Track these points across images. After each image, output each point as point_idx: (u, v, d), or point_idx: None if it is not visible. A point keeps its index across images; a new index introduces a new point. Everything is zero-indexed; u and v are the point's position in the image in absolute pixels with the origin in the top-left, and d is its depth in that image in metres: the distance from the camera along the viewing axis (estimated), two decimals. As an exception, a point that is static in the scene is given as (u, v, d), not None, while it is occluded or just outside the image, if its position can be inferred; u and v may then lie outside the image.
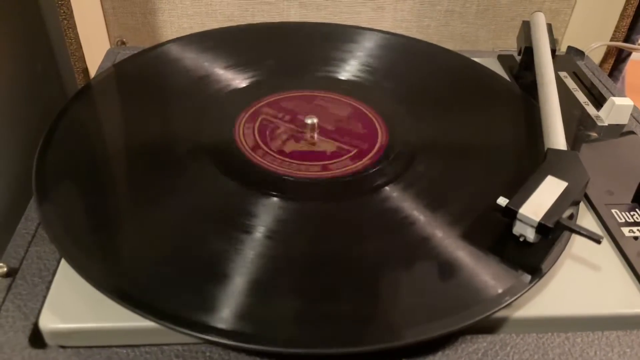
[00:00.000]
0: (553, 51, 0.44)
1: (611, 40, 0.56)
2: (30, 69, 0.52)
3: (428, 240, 0.30)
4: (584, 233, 0.29)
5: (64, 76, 0.57)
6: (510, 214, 0.29)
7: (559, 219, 0.28)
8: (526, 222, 0.29)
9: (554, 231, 0.28)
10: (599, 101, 0.44)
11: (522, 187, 0.30)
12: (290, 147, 0.37)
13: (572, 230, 0.29)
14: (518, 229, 0.29)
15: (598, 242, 0.28)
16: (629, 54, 0.58)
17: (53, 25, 0.54)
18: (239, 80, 0.43)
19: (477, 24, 0.58)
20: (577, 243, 0.31)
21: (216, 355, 0.26)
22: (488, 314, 0.26)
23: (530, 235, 0.29)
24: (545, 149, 0.34)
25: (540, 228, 0.28)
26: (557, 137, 0.35)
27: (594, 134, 0.41)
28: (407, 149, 0.37)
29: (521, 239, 0.29)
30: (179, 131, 0.38)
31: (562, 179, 0.31)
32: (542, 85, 0.40)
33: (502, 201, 0.29)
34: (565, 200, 0.29)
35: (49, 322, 0.26)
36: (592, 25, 0.57)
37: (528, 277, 0.28)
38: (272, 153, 0.36)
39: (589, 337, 0.28)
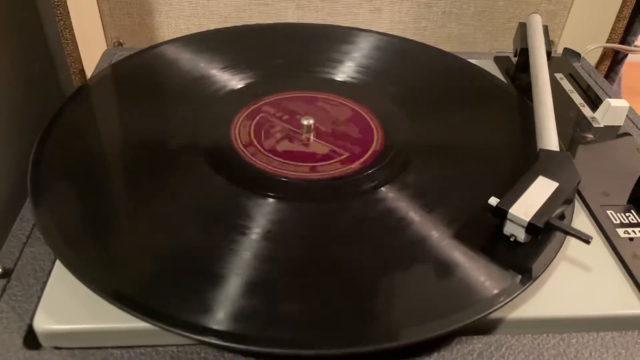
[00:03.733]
0: (549, 53, 0.44)
1: (607, 42, 0.56)
2: (27, 69, 0.51)
3: (424, 241, 0.30)
4: (574, 233, 0.29)
5: (61, 77, 0.57)
6: (501, 214, 0.29)
7: (549, 219, 0.28)
8: (516, 222, 0.29)
9: (544, 231, 0.28)
10: (594, 103, 0.44)
11: (513, 188, 0.30)
12: (286, 148, 0.37)
13: (562, 231, 0.29)
14: (508, 229, 0.29)
15: (587, 242, 0.28)
16: (625, 55, 0.59)
17: (50, 26, 0.54)
18: (236, 82, 0.43)
19: (474, 25, 0.58)
20: (572, 244, 0.31)
21: (211, 357, 0.26)
22: (483, 314, 0.26)
23: (521, 235, 0.29)
24: (538, 149, 0.34)
25: (530, 228, 0.28)
26: (550, 138, 0.35)
27: (589, 136, 0.41)
28: (403, 150, 0.37)
29: (512, 239, 0.29)
30: (176, 132, 0.38)
31: (553, 179, 0.31)
32: (537, 87, 0.40)
33: (493, 201, 0.29)
34: (555, 201, 0.29)
35: (43, 323, 0.26)
36: (589, 27, 0.57)
37: (523, 278, 0.28)
38: (268, 154, 0.36)
39: (584, 338, 0.28)
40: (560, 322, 0.28)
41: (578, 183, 0.31)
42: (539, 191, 0.30)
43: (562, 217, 0.31)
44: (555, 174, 0.31)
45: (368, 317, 0.26)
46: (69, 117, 0.38)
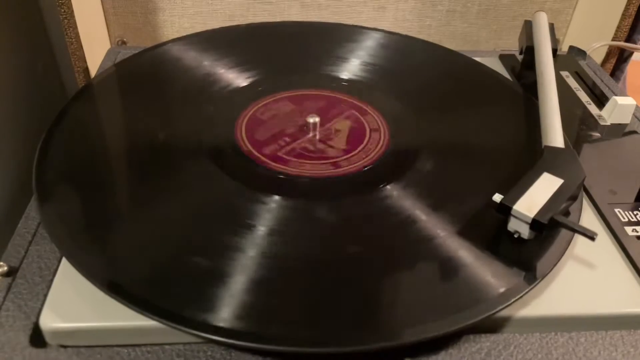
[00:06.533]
0: (554, 51, 0.44)
1: (613, 40, 0.56)
2: (31, 68, 0.51)
3: (430, 239, 0.30)
4: (578, 229, 0.29)
5: (65, 75, 0.57)
6: (505, 210, 0.29)
7: (554, 215, 0.28)
8: (520, 218, 0.29)
9: (548, 228, 0.28)
10: (601, 101, 0.44)
11: (517, 184, 0.30)
12: (291, 146, 0.37)
13: (567, 227, 0.29)
14: (513, 225, 0.29)
15: (592, 238, 0.28)
16: (631, 54, 0.58)
17: (53, 25, 0.54)
18: (240, 80, 0.43)
19: (479, 23, 0.58)
20: (580, 242, 0.31)
21: (218, 355, 0.26)
22: (491, 313, 0.26)
23: (525, 231, 0.29)
24: (542, 146, 0.34)
25: (535, 224, 0.28)
26: (555, 135, 0.35)
27: (596, 134, 0.41)
28: (408, 148, 0.37)
29: (515, 236, 0.29)
30: (180, 131, 0.38)
31: (558, 176, 0.31)
32: (542, 85, 0.40)
33: (497, 197, 0.29)
34: (560, 197, 0.29)
35: (49, 321, 0.26)
36: (594, 25, 0.57)
37: (531, 276, 0.28)
38: (273, 152, 0.36)
39: (592, 337, 0.28)
40: (568, 321, 0.28)
41: (583, 180, 0.31)
42: (544, 188, 0.30)
43: (566, 213, 0.31)
44: (560, 170, 0.31)
45: (375, 314, 0.26)
46: (74, 116, 0.38)
